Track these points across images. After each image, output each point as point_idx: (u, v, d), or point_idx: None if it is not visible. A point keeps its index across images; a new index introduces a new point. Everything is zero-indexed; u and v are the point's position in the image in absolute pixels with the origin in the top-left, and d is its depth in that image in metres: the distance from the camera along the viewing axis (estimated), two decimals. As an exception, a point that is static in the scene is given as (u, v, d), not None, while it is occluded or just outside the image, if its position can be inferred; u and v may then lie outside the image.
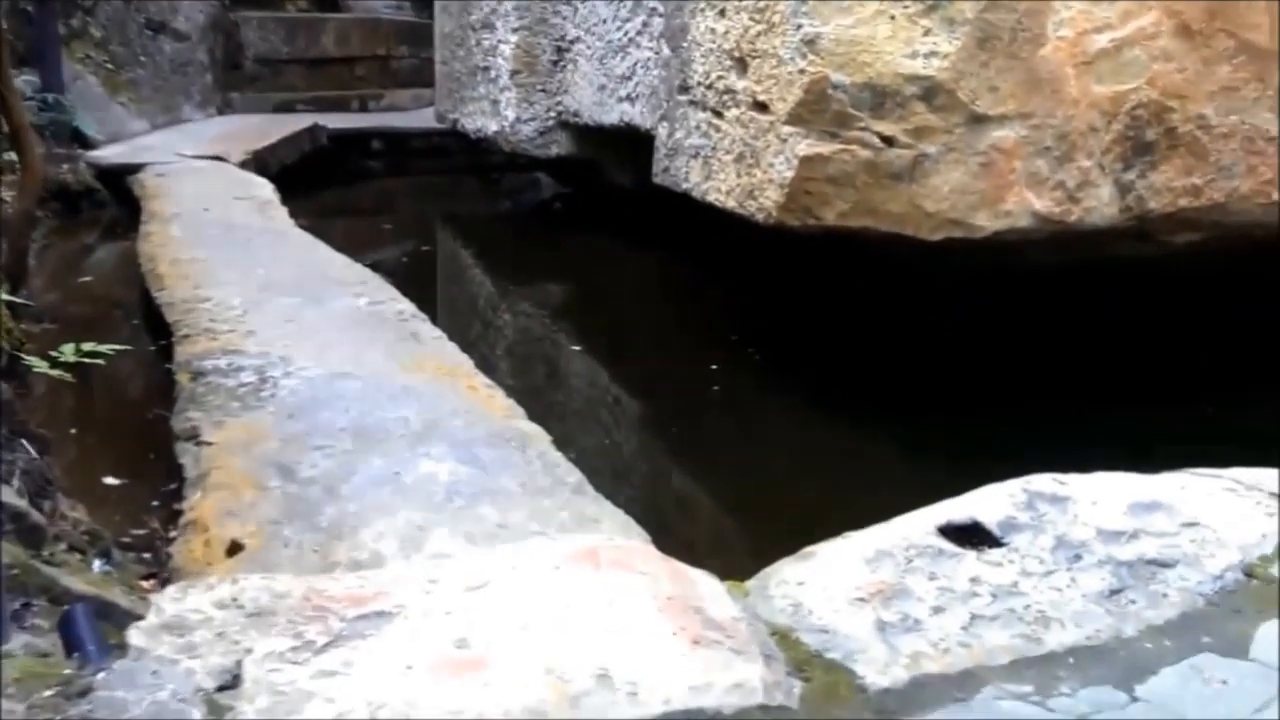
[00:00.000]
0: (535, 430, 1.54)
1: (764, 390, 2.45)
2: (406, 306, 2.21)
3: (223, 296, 2.27)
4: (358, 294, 2.30)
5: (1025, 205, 2.17)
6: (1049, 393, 2.46)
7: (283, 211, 3.34)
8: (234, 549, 1.22)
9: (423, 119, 6.41)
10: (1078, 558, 1.01)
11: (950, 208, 2.14)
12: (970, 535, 1.05)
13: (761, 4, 2.24)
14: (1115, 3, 2.12)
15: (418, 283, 4.00)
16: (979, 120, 2.10)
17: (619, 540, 1.12)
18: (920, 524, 1.05)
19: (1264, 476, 1.21)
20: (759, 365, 2.59)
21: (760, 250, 2.91)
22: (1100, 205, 2.24)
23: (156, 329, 2.34)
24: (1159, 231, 2.38)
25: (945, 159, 2.11)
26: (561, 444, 1.59)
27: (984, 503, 1.08)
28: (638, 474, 2.17)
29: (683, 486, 2.12)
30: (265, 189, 3.67)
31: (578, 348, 2.85)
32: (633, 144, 3.70)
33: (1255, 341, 2.69)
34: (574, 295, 3.73)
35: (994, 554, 1.00)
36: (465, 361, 1.89)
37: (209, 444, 1.52)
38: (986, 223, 2.17)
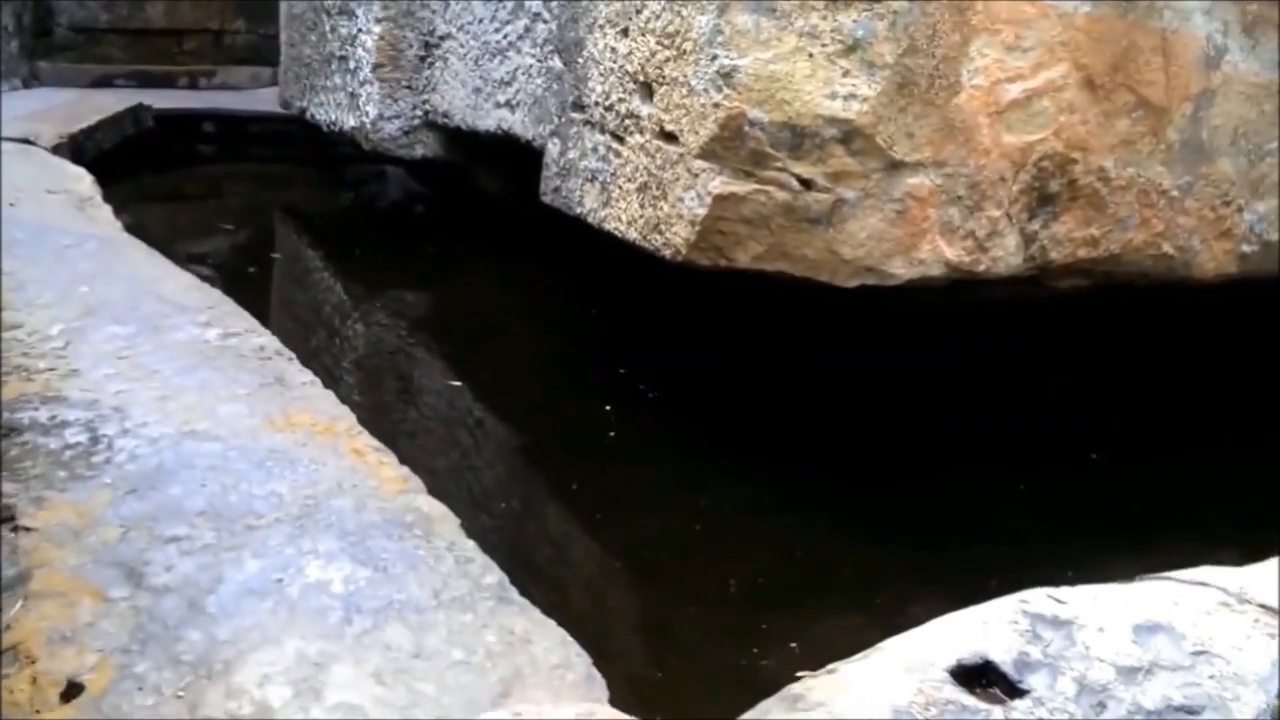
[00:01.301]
0: (439, 511, 1.33)
1: (668, 438, 2.29)
2: (268, 341, 1.94)
3: (37, 323, 1.93)
4: (205, 323, 2.01)
5: (938, 254, 2.11)
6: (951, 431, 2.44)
7: (106, 210, 2.96)
8: (71, 692, 0.97)
9: (261, 101, 5.98)
10: (1103, 706, 0.90)
11: (866, 255, 2.05)
12: (981, 676, 0.93)
13: (671, 29, 2.08)
14: (1028, 53, 2.08)
15: (258, 287, 3.69)
16: (896, 166, 2.01)
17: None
18: (928, 666, 0.92)
19: (1237, 579, 1.16)
20: (654, 405, 2.44)
21: (642, 269, 2.76)
22: (1006, 255, 2.20)
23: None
24: (1051, 279, 2.37)
25: (862, 204, 2.01)
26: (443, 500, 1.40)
27: (990, 637, 0.96)
28: (547, 554, 1.97)
29: (604, 573, 1.93)
30: (84, 181, 3.25)
31: (456, 383, 2.62)
32: (506, 151, 3.49)
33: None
34: (442, 313, 3.50)
35: (1019, 707, 0.88)
36: (345, 414, 1.65)
37: (29, 530, 1.24)
38: (901, 271, 2.09)
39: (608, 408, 2.36)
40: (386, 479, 1.44)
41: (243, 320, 2.05)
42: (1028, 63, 2.09)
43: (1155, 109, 2.28)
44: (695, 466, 2.20)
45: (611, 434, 2.27)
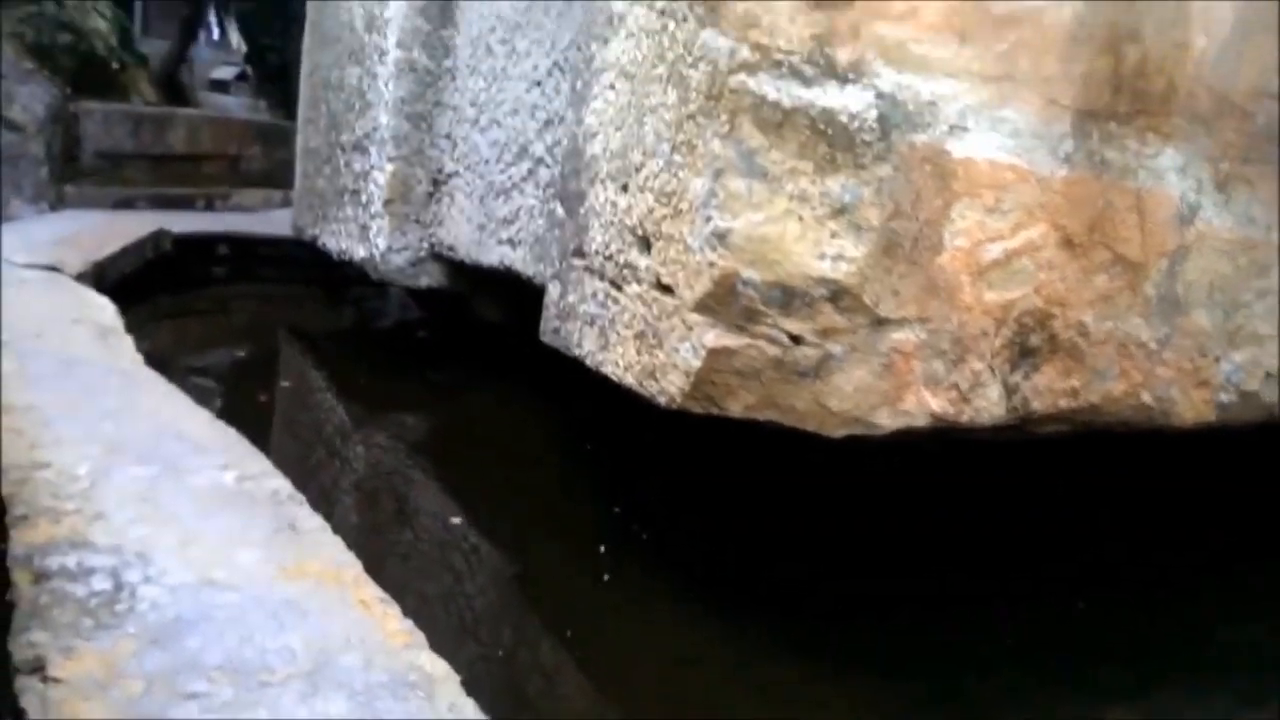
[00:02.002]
0: (441, 670, 1.43)
1: (662, 584, 2.39)
2: (281, 485, 2.06)
3: (65, 462, 2.06)
4: (223, 465, 2.13)
5: (923, 405, 2.23)
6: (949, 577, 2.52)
7: (128, 342, 3.11)
8: None
9: (272, 223, 6.23)
10: None
11: (854, 406, 2.17)
12: None
13: (669, 188, 2.25)
14: (1008, 215, 2.24)
15: (265, 406, 3.82)
16: (881, 323, 2.15)
17: None
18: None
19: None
20: (647, 548, 2.54)
21: (638, 403, 2.90)
22: (989, 405, 2.32)
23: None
24: (1033, 426, 2.49)
25: (850, 359, 2.15)
26: (443, 649, 1.49)
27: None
28: (537, 689, 2.05)
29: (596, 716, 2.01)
30: (106, 311, 3.42)
31: (456, 520, 2.73)
32: (507, 283, 3.67)
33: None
34: (441, 438, 3.62)
35: None
36: (352, 563, 1.75)
37: (58, 681, 1.34)
38: (887, 421, 2.21)
39: (601, 549, 2.45)
40: (392, 632, 1.54)
41: (258, 462, 2.17)
42: (1007, 224, 2.25)
43: (1132, 265, 2.43)
44: (686, 610, 2.29)
45: (606, 577, 2.36)
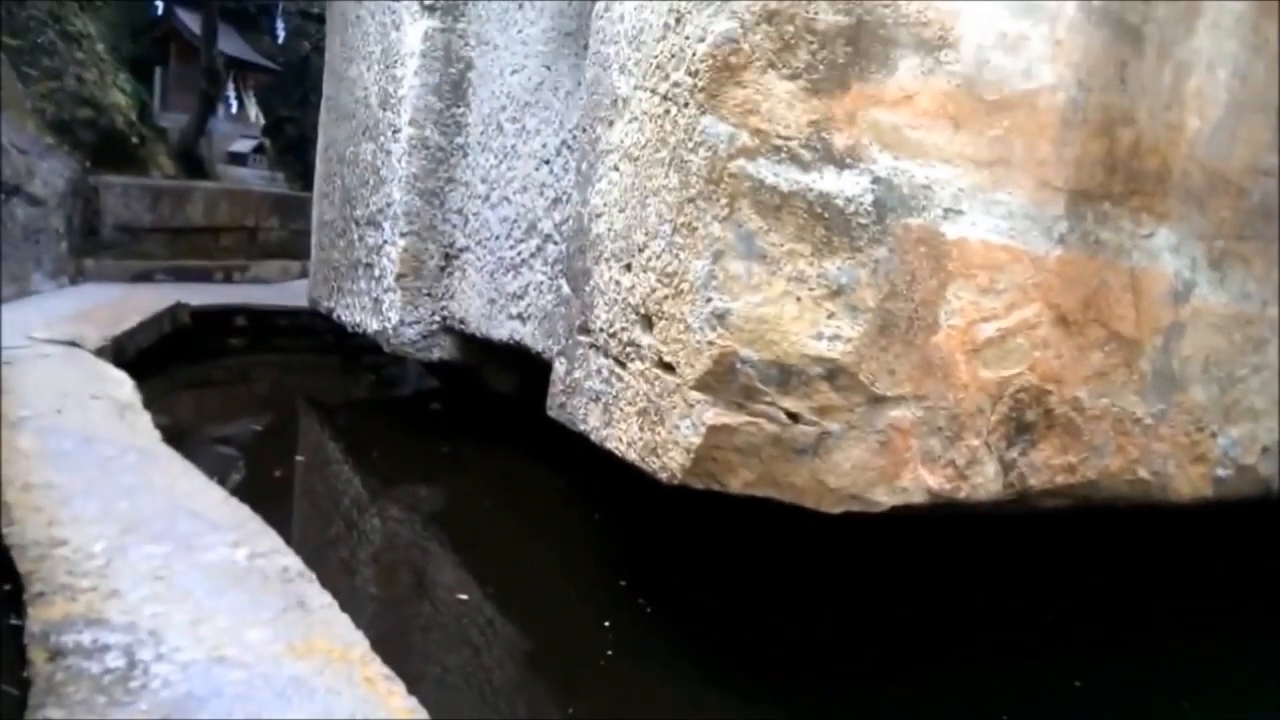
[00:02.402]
0: (442, 747, 1.48)
1: (663, 656, 2.43)
2: (291, 562, 2.12)
3: (82, 540, 2.13)
4: (235, 542, 2.19)
5: (920, 482, 2.28)
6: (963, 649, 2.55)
7: (146, 419, 3.20)
8: None
9: (289, 293, 6.37)
10: None
11: (851, 483, 2.23)
12: None
13: (670, 269, 2.34)
14: (1002, 294, 2.31)
15: (283, 479, 3.89)
16: (878, 401, 2.22)
17: None
18: None
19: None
20: (651, 620, 2.58)
21: (647, 477, 2.96)
22: (986, 482, 2.37)
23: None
24: (1032, 501, 2.53)
25: (847, 436, 2.21)
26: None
27: None
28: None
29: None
30: (125, 386, 3.52)
31: (464, 596, 2.78)
32: (517, 356, 3.75)
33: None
34: (454, 510, 3.67)
35: None
36: (359, 641, 1.81)
37: (72, 758, 1.40)
38: (884, 498, 2.26)
39: (606, 624, 2.50)
40: (396, 710, 1.59)
41: (269, 539, 2.23)
42: (1002, 303, 2.32)
43: (1127, 342, 2.50)
44: (690, 684, 2.33)
45: (610, 652, 2.41)
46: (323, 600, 1.97)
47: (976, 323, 2.29)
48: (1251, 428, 2.76)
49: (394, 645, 2.57)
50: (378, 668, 1.72)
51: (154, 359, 4.88)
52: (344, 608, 2.64)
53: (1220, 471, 2.73)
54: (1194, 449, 2.67)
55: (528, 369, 3.61)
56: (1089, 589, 3.14)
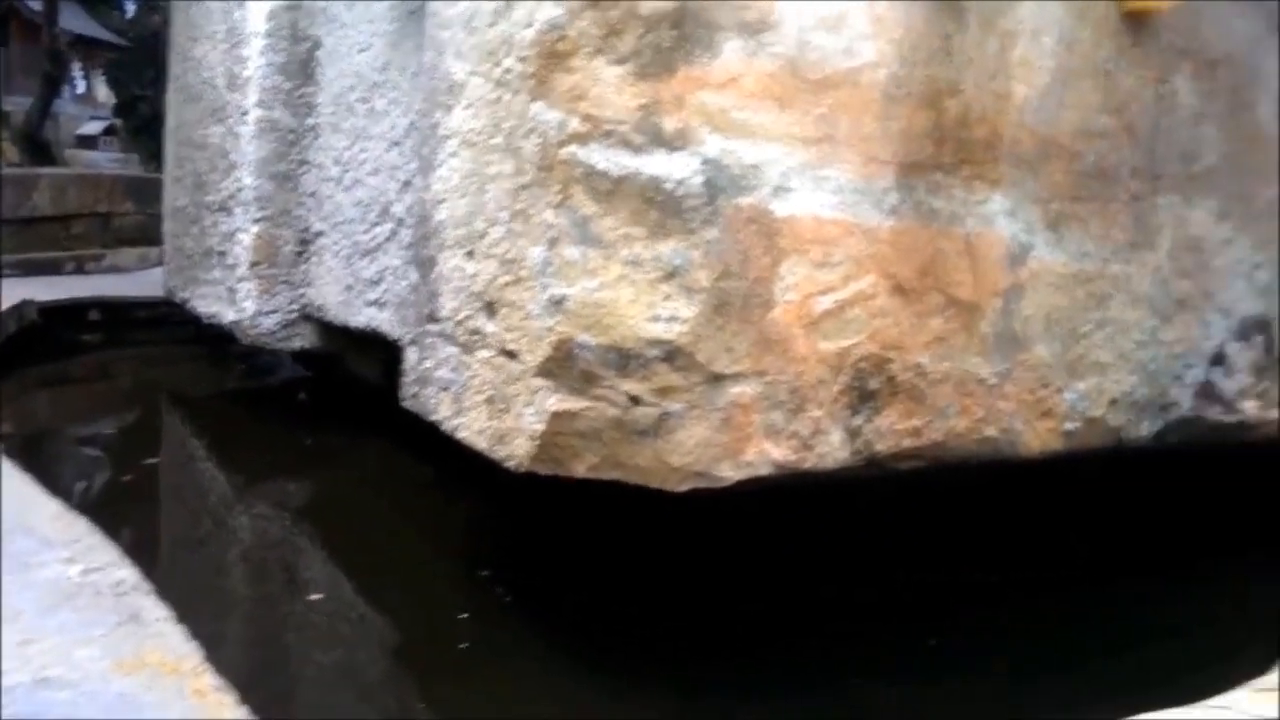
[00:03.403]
0: (268, 755, 1.55)
1: (517, 647, 2.52)
2: (127, 575, 2.15)
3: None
4: (69, 558, 2.22)
5: (765, 455, 2.41)
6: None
7: (-20, 429, 3.17)
8: None
9: (149, 282, 6.25)
10: None
11: (695, 461, 2.34)
12: None
13: (510, 255, 2.41)
14: (837, 267, 2.43)
15: (147, 478, 3.88)
16: (718, 379, 2.33)
17: None
18: None
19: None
20: (510, 609, 2.68)
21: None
22: (832, 450, 2.50)
23: None
24: (883, 466, 2.68)
25: (688, 415, 2.32)
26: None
27: None
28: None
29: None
30: (-44, 396, 3.46)
31: (317, 596, 2.84)
32: (379, 343, 3.79)
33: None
34: (322, 504, 3.71)
35: None
36: (192, 652, 1.86)
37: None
38: (730, 473, 2.38)
39: (463, 615, 2.59)
40: (225, 720, 1.66)
41: (106, 553, 2.26)
42: (837, 276, 2.45)
43: (966, 306, 2.65)
44: (545, 677, 2.43)
45: (463, 645, 2.50)
46: (158, 613, 2.02)
47: (813, 296, 2.41)
48: (1098, 381, 2.95)
49: (268, 645, 2.63)
50: (209, 679, 1.78)
51: (4, 361, 4.78)
52: (212, 610, 2.70)
53: (1069, 425, 2.91)
54: (1040, 405, 2.84)
55: (391, 356, 3.65)
56: (942, 550, 3.33)
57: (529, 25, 2.32)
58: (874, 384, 2.53)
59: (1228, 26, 2.99)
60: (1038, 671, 2.63)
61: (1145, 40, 2.80)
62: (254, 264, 4.08)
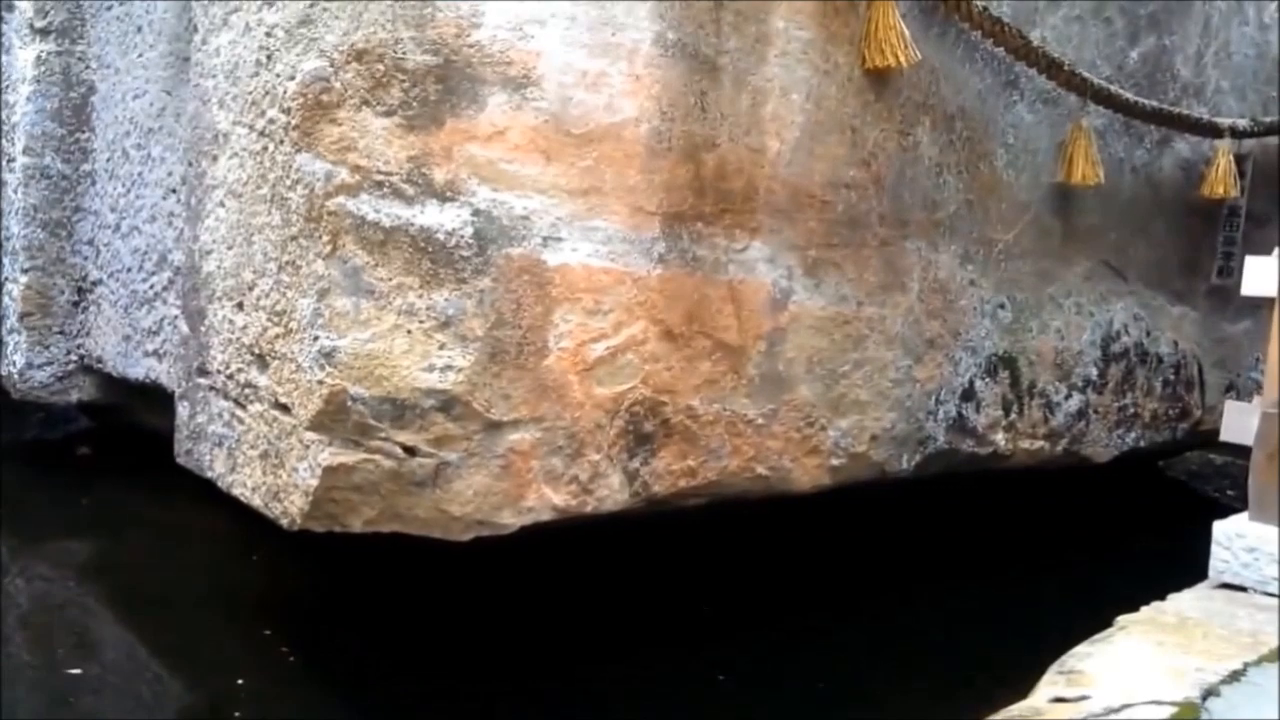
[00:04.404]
0: None
1: (293, 711, 2.40)
2: None
3: None
4: None
5: (545, 500, 2.38)
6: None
7: None
8: None
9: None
10: None
11: (475, 509, 2.29)
12: None
13: (279, 307, 2.31)
14: (608, 315, 2.44)
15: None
16: (496, 426, 2.29)
17: None
18: None
19: None
20: (292, 670, 2.54)
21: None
22: (612, 493, 2.51)
23: None
24: (665, 505, 2.69)
25: (467, 464, 2.27)
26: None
27: None
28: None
29: None
30: None
31: (75, 670, 2.61)
32: (163, 392, 3.56)
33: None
34: (109, 567, 3.44)
35: None
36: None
37: None
38: (511, 520, 2.35)
39: (240, 681, 2.45)
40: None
41: None
42: (609, 323, 2.46)
43: (732, 350, 2.71)
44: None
45: (236, 714, 2.36)
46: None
47: (586, 343, 2.41)
48: (859, 418, 3.05)
49: (66, 712, 2.40)
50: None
51: None
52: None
53: (834, 461, 3.01)
54: (806, 443, 2.93)
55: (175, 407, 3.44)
56: (733, 583, 3.38)
57: (292, 77, 2.24)
58: (649, 427, 2.55)
59: (963, 83, 3.17)
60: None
61: (888, 96, 2.94)
62: (24, 315, 3.78)
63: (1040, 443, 3.63)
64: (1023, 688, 1.86)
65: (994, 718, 1.75)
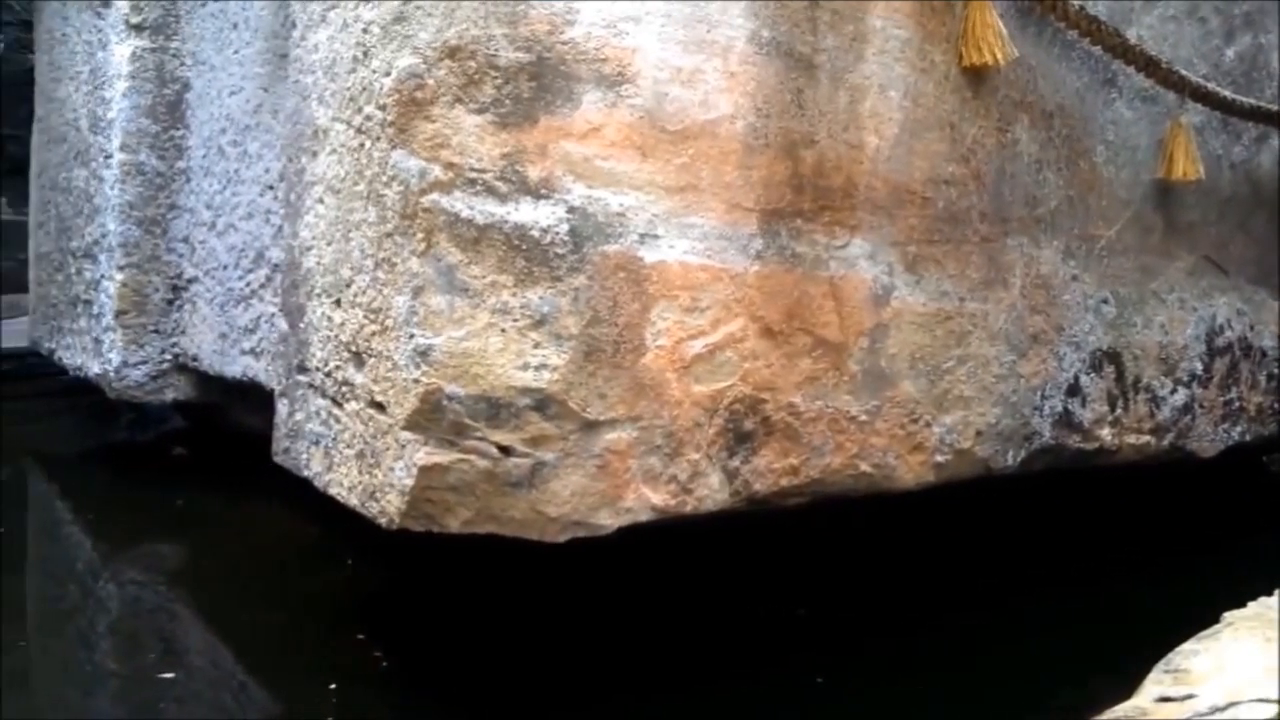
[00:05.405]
0: None
1: (384, 715, 2.42)
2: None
3: None
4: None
5: (644, 501, 2.36)
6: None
7: None
8: None
9: (13, 331, 5.92)
10: None
11: (572, 510, 2.28)
12: None
13: (375, 304, 2.32)
14: (706, 312, 2.41)
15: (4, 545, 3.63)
16: (592, 425, 2.27)
17: None
18: None
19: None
20: (385, 675, 2.56)
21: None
22: (712, 493, 2.47)
23: None
24: (769, 504, 2.65)
25: (563, 464, 2.25)
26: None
27: None
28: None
29: None
30: None
31: (167, 674, 2.66)
32: (259, 392, 3.62)
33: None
34: (200, 572, 3.50)
35: None
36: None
37: None
38: (609, 521, 2.32)
39: (332, 686, 2.47)
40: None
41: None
42: (707, 320, 2.42)
43: (833, 346, 2.66)
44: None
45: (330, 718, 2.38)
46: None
47: (683, 341, 2.38)
48: (964, 414, 2.99)
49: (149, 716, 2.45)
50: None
51: None
52: (84, 687, 2.52)
53: (939, 458, 2.94)
54: (910, 439, 2.87)
55: (272, 405, 3.50)
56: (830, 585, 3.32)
57: (388, 74, 2.24)
58: (749, 425, 2.51)
59: (1060, 80, 3.11)
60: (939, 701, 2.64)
61: (985, 94, 2.90)
62: (120, 313, 3.88)
63: (1146, 437, 3.53)
64: (1128, 687, 1.79)
65: (1099, 718, 1.69)
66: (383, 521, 2.30)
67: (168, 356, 3.95)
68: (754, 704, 2.60)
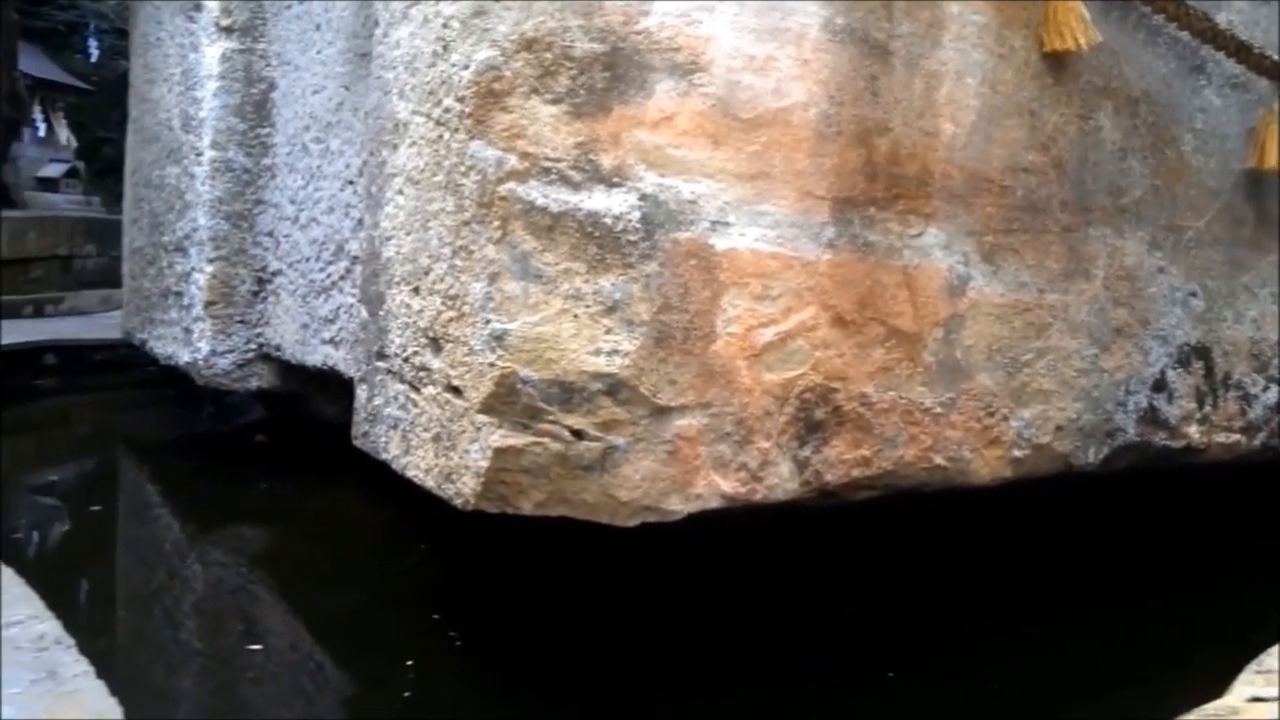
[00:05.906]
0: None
1: (463, 692, 2.47)
2: (49, 628, 2.08)
3: None
4: (-11, 611, 2.15)
5: (714, 488, 2.38)
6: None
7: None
8: None
9: (109, 325, 6.17)
10: None
11: (643, 495, 2.31)
12: None
13: (453, 291, 2.39)
14: (777, 300, 2.43)
15: (99, 525, 3.80)
16: (663, 411, 2.30)
17: None
18: None
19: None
20: (460, 654, 2.63)
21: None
22: (782, 482, 2.48)
23: None
24: (835, 496, 2.66)
25: (634, 449, 2.29)
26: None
27: None
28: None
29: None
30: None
31: (256, 646, 2.76)
32: (338, 381, 3.74)
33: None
34: (280, 554, 3.63)
35: None
36: (111, 709, 1.80)
37: None
38: (679, 506, 2.35)
39: (409, 662, 2.53)
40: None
41: (28, 605, 2.19)
42: (778, 308, 2.44)
43: (907, 336, 2.65)
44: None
45: (407, 693, 2.44)
46: (78, 669, 1.95)
47: (754, 329, 2.40)
48: (1043, 408, 2.95)
49: (225, 700, 2.56)
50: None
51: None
52: (169, 664, 2.63)
53: (1016, 452, 2.91)
54: (987, 433, 2.84)
55: (349, 394, 3.61)
56: (895, 579, 3.31)
57: (467, 67, 2.31)
58: (820, 414, 2.52)
59: (1146, 66, 3.04)
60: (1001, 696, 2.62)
61: (1067, 80, 2.85)
62: (209, 304, 4.03)
63: (1237, 436, 3.44)
64: (1219, 687, 1.77)
65: (1189, 716, 1.67)
66: (458, 503, 2.37)
67: (253, 346, 4.09)
68: (822, 695, 2.61)
